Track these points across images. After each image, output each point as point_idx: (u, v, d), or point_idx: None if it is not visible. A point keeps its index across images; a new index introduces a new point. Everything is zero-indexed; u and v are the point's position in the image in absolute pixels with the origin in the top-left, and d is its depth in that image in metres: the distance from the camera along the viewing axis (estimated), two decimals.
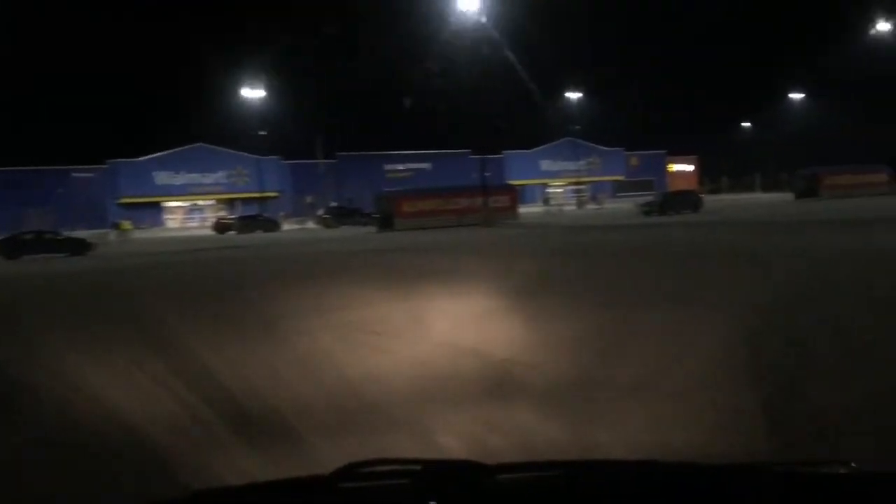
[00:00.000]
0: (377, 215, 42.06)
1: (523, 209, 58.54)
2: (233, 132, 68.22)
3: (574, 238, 25.99)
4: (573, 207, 64.63)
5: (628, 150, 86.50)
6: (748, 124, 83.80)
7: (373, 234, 37.97)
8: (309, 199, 68.81)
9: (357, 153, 76.89)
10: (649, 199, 43.84)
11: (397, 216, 40.31)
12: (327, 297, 11.44)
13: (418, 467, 1.54)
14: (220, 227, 54.49)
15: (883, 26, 49.97)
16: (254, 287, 14.41)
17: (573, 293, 10.79)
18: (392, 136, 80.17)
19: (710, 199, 57.39)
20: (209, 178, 72.71)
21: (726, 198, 65.85)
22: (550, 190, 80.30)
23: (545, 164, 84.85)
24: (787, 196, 52.93)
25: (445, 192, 43.49)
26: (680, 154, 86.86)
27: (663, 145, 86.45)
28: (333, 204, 59.04)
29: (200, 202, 73.72)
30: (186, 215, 73.06)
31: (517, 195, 46.74)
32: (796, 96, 73.46)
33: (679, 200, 42.31)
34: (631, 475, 1.56)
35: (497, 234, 31.18)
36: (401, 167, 79.14)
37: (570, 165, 79.65)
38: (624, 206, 55.72)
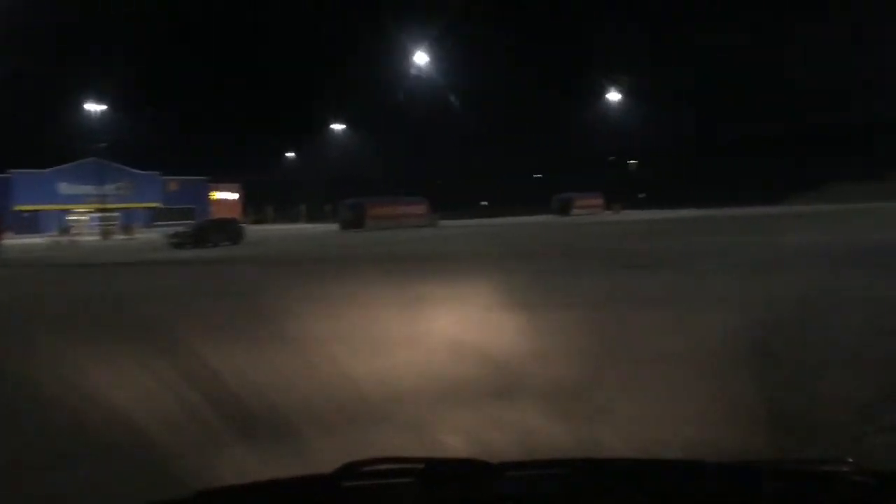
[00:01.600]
0: None
1: (28, 240, 47.26)
2: None
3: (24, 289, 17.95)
4: (96, 237, 54.13)
5: (166, 174, 77.74)
6: (292, 154, 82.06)
7: None
8: None
9: None
10: (180, 229, 36.48)
11: None
12: None
13: (421, 466, 1.51)
14: None
15: (420, 59, 51.00)
16: None
17: None
18: None
19: (254, 230, 52.64)
20: None
21: (271, 228, 62.00)
22: (73, 217, 67.72)
23: (64, 187, 71.50)
24: (334, 227, 50.72)
25: None
26: (223, 181, 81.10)
27: (205, 171, 79.79)
28: None
29: None
30: None
31: None
32: (338, 127, 73.37)
33: (217, 231, 36.01)
34: (635, 473, 1.54)
35: None
36: None
37: (97, 189, 67.93)
38: (157, 236, 47.65)
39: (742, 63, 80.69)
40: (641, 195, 73.26)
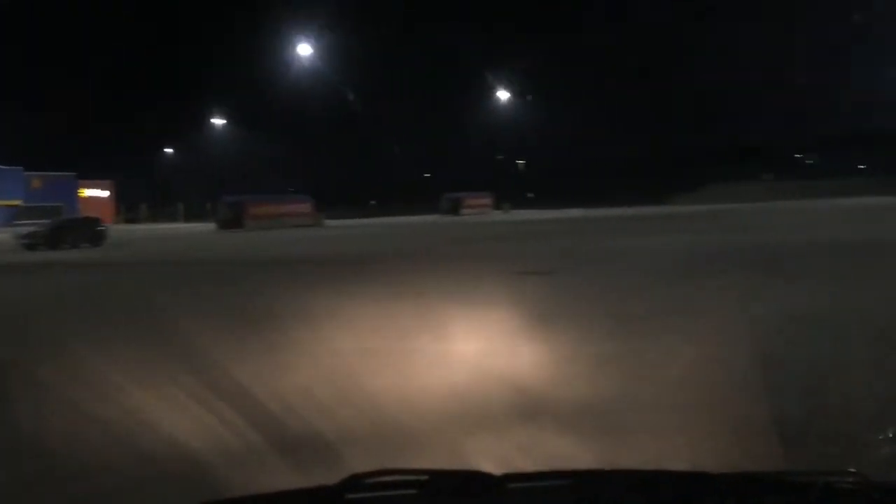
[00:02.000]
0: None
1: None
2: None
3: None
4: None
5: (29, 169, 71.76)
6: (171, 150, 77.61)
7: None
8: None
9: None
10: (33, 228, 33.05)
11: None
12: None
13: (425, 477, 1.51)
14: None
15: (305, 51, 48.73)
16: None
17: None
18: None
19: (125, 229, 49.43)
20: None
21: (145, 227, 58.34)
22: None
23: None
24: (213, 226, 47.88)
25: None
26: (95, 178, 75.64)
27: (74, 167, 74.16)
28: None
29: None
30: None
31: None
32: (220, 122, 69.69)
33: (75, 231, 32.84)
34: (640, 484, 1.53)
35: None
36: None
37: None
38: (9, 237, 43.49)
39: (633, 69, 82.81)
40: (530, 195, 73.47)
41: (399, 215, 62.31)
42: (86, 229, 33.49)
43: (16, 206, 70.13)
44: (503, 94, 69.77)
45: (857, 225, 24.22)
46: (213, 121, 68.76)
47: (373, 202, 76.01)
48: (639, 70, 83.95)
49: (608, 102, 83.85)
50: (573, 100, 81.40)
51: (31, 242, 30.78)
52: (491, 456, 3.95)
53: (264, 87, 66.87)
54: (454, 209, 64.93)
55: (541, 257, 17.00)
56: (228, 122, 69.49)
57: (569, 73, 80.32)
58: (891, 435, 4.10)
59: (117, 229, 46.41)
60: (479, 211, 66.72)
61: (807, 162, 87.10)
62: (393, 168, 79.62)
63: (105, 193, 77.35)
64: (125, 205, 76.47)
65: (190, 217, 67.63)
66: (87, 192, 75.79)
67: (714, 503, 1.42)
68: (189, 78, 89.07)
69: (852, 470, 1.53)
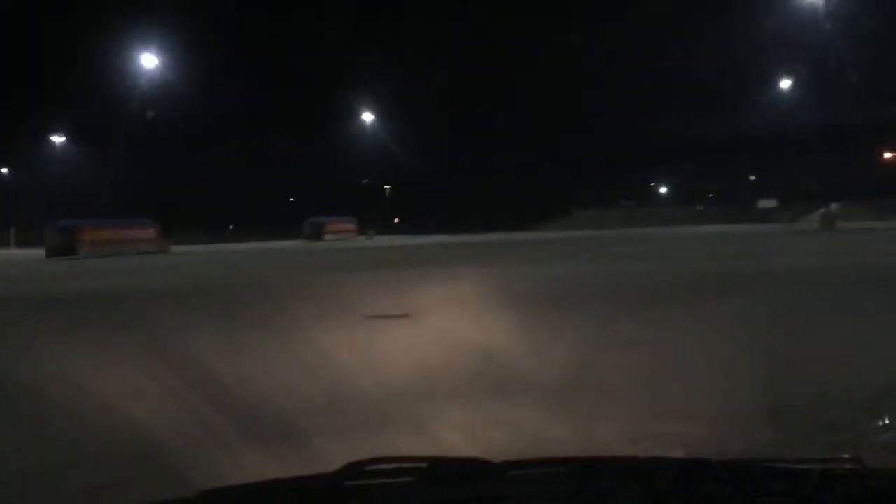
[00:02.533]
0: None
1: None
2: None
3: None
4: None
5: None
6: (5, 169, 71.23)
7: None
8: None
9: None
10: None
11: None
12: None
13: (424, 465, 1.51)
14: None
15: (150, 62, 45.61)
16: None
17: None
18: None
19: None
20: None
21: None
22: None
23: None
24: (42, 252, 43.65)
25: None
26: None
27: None
28: None
29: None
30: None
31: None
32: (59, 139, 64.29)
33: None
34: (640, 472, 1.52)
35: None
36: None
37: None
38: None
39: (499, 92, 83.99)
40: (396, 220, 72.52)
41: (259, 240, 59.59)
42: None
43: None
44: (369, 117, 68.76)
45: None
46: (52, 138, 63.57)
47: (231, 227, 72.60)
48: (511, 95, 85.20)
49: (474, 127, 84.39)
50: (439, 124, 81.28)
51: None
52: None
53: (110, 102, 61.91)
54: (317, 235, 62.85)
55: (395, 293, 15.29)
56: (70, 140, 64.40)
57: (434, 96, 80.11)
58: (889, 422, 4.15)
59: None
60: (343, 236, 64.97)
61: (659, 191, 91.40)
62: (254, 191, 76.44)
63: None
64: None
65: (24, 243, 62.01)
66: None
67: (713, 490, 1.42)
68: (26, 91, 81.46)
69: (849, 456, 1.54)
